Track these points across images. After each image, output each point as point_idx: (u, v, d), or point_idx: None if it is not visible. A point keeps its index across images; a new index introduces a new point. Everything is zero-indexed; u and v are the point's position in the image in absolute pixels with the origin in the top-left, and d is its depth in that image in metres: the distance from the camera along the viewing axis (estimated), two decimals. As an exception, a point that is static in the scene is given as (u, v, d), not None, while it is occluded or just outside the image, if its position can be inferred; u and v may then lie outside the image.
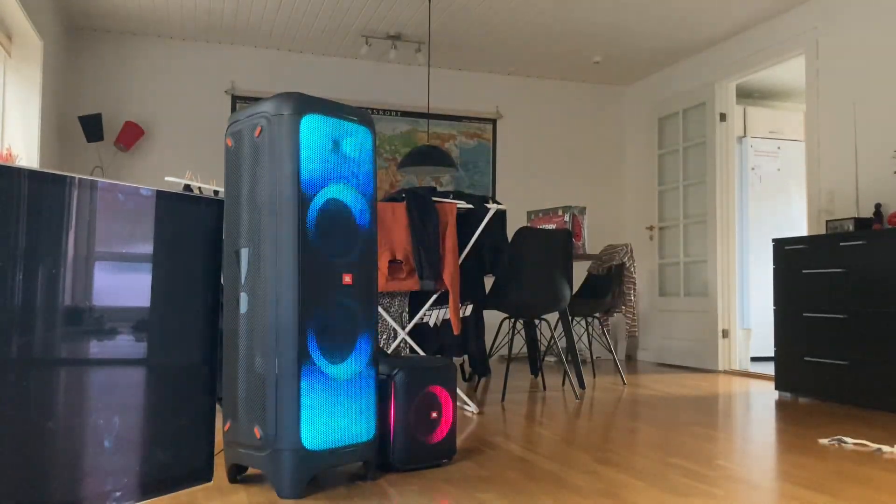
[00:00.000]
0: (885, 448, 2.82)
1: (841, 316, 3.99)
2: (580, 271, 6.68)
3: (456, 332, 3.51)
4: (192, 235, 1.94)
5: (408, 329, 3.55)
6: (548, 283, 4.12)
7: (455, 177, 6.52)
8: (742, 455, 2.73)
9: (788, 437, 3.09)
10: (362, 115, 2.34)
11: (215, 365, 2.00)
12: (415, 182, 6.43)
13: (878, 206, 4.18)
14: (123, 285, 1.76)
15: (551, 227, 5.03)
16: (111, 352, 1.74)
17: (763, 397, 4.32)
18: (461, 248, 3.64)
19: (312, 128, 2.17)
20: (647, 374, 5.48)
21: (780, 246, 4.43)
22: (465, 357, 5.17)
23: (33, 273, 1.56)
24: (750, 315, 6.50)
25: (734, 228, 5.87)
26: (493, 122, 6.68)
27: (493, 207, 3.65)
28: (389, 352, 3.47)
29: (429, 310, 3.63)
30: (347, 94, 6.27)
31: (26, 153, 4.53)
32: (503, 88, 6.76)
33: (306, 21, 5.47)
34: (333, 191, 2.22)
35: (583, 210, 5.05)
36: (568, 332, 4.44)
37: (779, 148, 6.75)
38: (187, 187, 3.19)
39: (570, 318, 4.54)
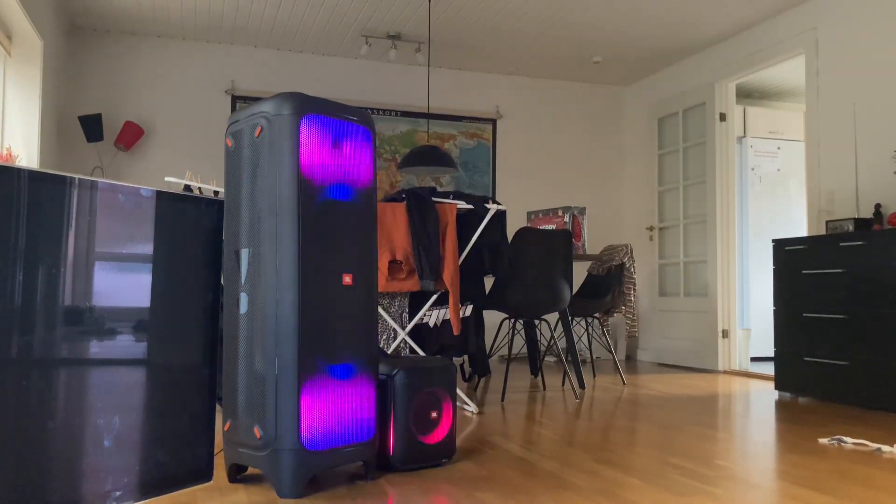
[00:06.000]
0: (885, 448, 2.82)
1: (841, 316, 3.99)
2: (580, 271, 6.68)
3: (456, 332, 3.51)
4: (192, 235, 1.94)
5: (408, 329, 3.55)
6: (548, 283, 4.12)
7: (455, 177, 6.52)
8: (742, 455, 2.73)
9: (788, 437, 3.09)
10: (362, 115, 2.34)
11: (215, 365, 2.00)
12: (415, 182, 6.43)
13: (877, 206, 4.18)
14: (123, 285, 1.76)
15: (551, 227, 5.03)
16: (111, 352, 1.74)
17: (763, 397, 4.32)
18: (461, 248, 3.64)
19: (312, 128, 2.17)
20: (646, 374, 5.48)
21: (780, 246, 4.43)
22: (465, 357, 5.17)
23: (33, 273, 1.56)
24: (750, 315, 6.50)
25: (734, 228, 5.87)
26: (493, 122, 6.68)
27: (493, 207, 3.65)
28: (389, 352, 3.47)
29: (429, 310, 3.63)
30: (347, 94, 6.27)
31: (26, 153, 4.53)
32: (503, 88, 6.76)
33: (306, 21, 5.47)
34: (333, 191, 2.22)
35: (583, 210, 5.05)
36: (568, 332, 4.44)
37: (779, 148, 6.75)
38: (187, 187, 3.19)
39: (570, 318, 4.54)
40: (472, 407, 3.71)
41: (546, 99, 6.89)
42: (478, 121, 6.63)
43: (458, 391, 3.73)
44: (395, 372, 2.44)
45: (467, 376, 4.87)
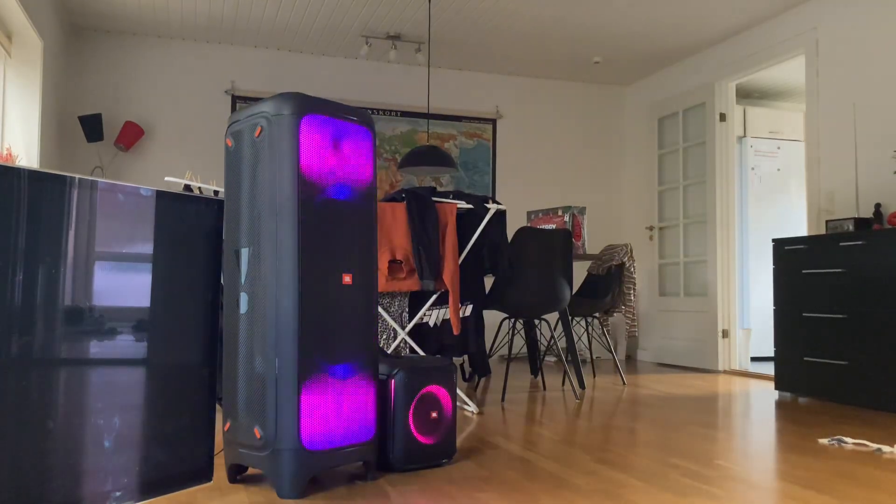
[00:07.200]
0: (885, 448, 2.82)
1: (841, 316, 3.99)
2: (580, 271, 6.68)
3: (456, 332, 3.51)
4: (192, 235, 1.94)
5: (408, 329, 3.55)
6: (548, 283, 4.12)
7: (455, 177, 6.52)
8: (742, 455, 2.73)
9: (788, 437, 3.09)
10: (362, 115, 2.34)
11: (215, 365, 2.00)
12: (415, 182, 6.43)
13: (877, 206, 4.18)
14: (123, 285, 1.76)
15: (551, 227, 5.03)
16: (111, 352, 1.74)
17: (763, 397, 4.32)
18: (461, 248, 3.64)
19: (312, 128, 2.17)
20: (647, 374, 5.48)
21: (780, 246, 4.43)
22: (465, 357, 5.17)
23: (33, 273, 1.56)
24: (750, 315, 6.50)
25: (734, 228, 5.87)
26: (493, 122, 6.68)
27: (493, 207, 3.65)
28: (389, 352, 3.47)
29: (429, 310, 3.63)
30: (347, 94, 6.27)
31: (26, 153, 4.53)
32: (503, 88, 6.76)
33: (306, 21, 5.47)
34: (333, 191, 2.22)
35: (583, 210, 5.05)
36: (568, 332, 4.44)
37: (779, 148, 6.75)
38: (187, 187, 3.19)
39: (570, 318, 4.54)
40: (472, 407, 3.71)
41: (546, 99, 6.89)
42: (478, 121, 6.63)
43: (458, 391, 3.73)
44: (395, 372, 2.44)
45: (467, 376, 4.87)
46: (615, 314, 5.21)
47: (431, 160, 4.93)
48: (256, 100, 5.95)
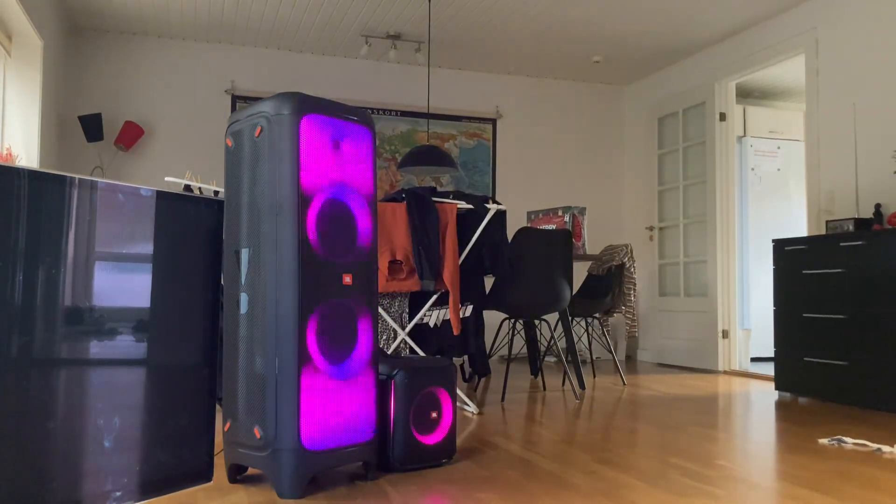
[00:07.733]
0: (885, 448, 2.82)
1: (841, 316, 3.99)
2: (580, 271, 6.67)
3: (456, 332, 3.51)
4: (192, 235, 1.94)
5: (408, 329, 3.55)
6: (548, 284, 4.12)
7: (455, 177, 6.52)
8: (742, 455, 2.73)
9: (788, 437, 3.09)
10: (362, 115, 2.34)
11: (215, 365, 2.00)
12: (415, 182, 6.43)
13: (877, 206, 4.18)
14: (123, 285, 1.76)
15: (551, 227, 5.03)
16: (111, 352, 1.73)
17: (763, 397, 4.32)
18: (461, 248, 3.64)
19: (312, 128, 2.17)
20: (647, 375, 5.48)
21: (780, 246, 4.43)
22: (465, 357, 5.17)
23: (33, 273, 1.56)
24: (750, 315, 6.50)
25: (734, 228, 5.87)
26: (493, 122, 6.68)
27: (493, 207, 3.65)
28: (389, 352, 3.47)
29: (429, 310, 3.63)
30: (347, 94, 6.27)
31: (26, 153, 4.53)
32: (503, 88, 6.76)
33: (306, 21, 5.47)
34: (333, 191, 2.22)
35: (583, 210, 5.05)
36: (568, 333, 4.44)
37: (779, 148, 6.75)
38: (187, 187, 3.19)
39: (570, 318, 4.54)
40: (472, 407, 3.71)
41: (546, 99, 6.89)
42: (478, 121, 6.63)
43: (458, 391, 3.73)
44: (395, 372, 2.44)
45: (467, 376, 4.87)
46: (615, 314, 5.21)
47: (431, 160, 4.93)
48: (256, 100, 5.95)
